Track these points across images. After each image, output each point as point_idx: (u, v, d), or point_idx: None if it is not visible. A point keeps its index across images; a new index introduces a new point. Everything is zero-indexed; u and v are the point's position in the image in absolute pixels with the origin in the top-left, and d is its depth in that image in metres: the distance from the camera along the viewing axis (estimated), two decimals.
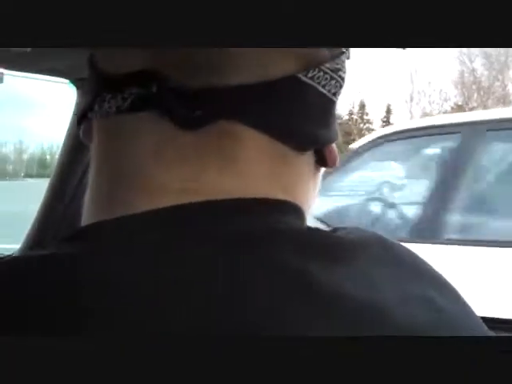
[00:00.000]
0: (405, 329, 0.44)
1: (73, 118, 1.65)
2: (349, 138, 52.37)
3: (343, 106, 53.66)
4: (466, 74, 51.14)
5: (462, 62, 51.77)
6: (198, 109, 0.47)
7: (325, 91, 0.52)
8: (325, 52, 0.52)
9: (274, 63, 0.50)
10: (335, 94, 0.54)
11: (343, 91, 0.56)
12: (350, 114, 53.82)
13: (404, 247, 0.54)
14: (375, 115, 52.70)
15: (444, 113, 53.87)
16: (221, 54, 0.48)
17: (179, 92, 0.47)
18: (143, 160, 0.48)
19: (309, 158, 0.54)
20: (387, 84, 63.86)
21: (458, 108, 50.37)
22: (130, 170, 0.48)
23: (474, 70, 50.67)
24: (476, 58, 50.87)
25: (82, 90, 1.54)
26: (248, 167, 0.49)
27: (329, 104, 0.53)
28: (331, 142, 0.55)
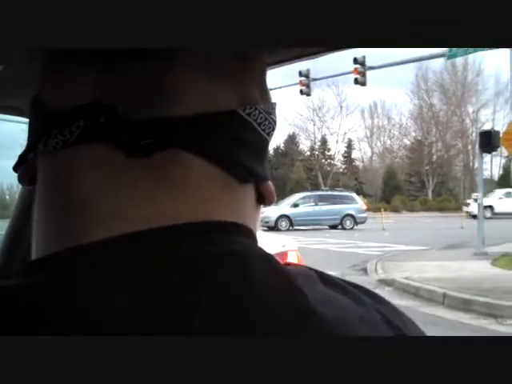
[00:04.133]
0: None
1: None
2: (311, 173, 53.17)
3: (305, 143, 54.38)
4: (425, 109, 52.31)
5: (421, 97, 53.00)
6: (145, 138, 0.49)
7: (260, 129, 0.55)
8: (257, 93, 0.56)
9: (216, 96, 0.52)
10: (269, 134, 0.57)
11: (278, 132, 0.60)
12: (312, 149, 54.52)
13: (344, 281, 0.56)
14: (337, 151, 53.04)
15: (404, 147, 54.93)
16: (166, 84, 0.50)
17: (127, 122, 0.49)
18: (95, 190, 0.49)
19: (251, 192, 0.56)
20: (348, 119, 64.82)
21: (418, 143, 51.37)
22: (82, 200, 0.49)
23: (432, 105, 51.86)
24: (434, 93, 52.14)
25: None
26: (197, 193, 0.51)
27: (263, 142, 0.56)
28: (267, 179, 0.57)
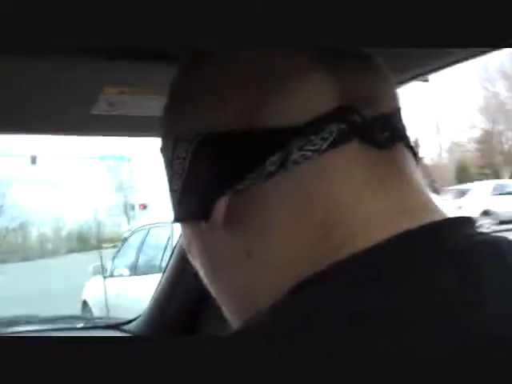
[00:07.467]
0: None
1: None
2: None
3: None
4: (491, 99, 51.18)
5: (485, 88, 51.92)
6: (384, 131, 0.51)
7: None
8: None
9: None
10: None
11: None
12: None
13: None
14: None
15: (473, 140, 53.87)
16: (381, 82, 0.54)
17: (371, 119, 0.50)
18: (355, 192, 0.48)
19: None
20: (413, 117, 64.16)
21: (486, 133, 50.31)
22: (345, 207, 0.47)
23: (496, 93, 50.73)
24: (497, 82, 51.06)
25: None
26: (420, 185, 0.52)
27: None
28: None
